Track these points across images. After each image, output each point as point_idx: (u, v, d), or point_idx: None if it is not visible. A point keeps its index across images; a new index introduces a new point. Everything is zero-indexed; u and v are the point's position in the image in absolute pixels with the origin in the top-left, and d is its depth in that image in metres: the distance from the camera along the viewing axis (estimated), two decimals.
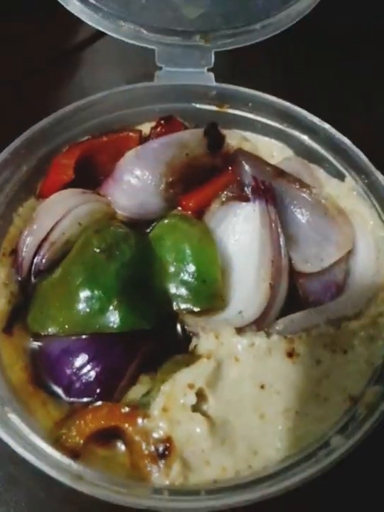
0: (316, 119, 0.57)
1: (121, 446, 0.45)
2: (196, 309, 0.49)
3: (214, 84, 0.59)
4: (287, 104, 0.58)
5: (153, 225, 0.55)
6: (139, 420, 0.43)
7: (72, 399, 0.46)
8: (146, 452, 0.42)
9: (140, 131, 0.60)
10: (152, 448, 0.42)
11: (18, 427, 0.41)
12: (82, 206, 0.53)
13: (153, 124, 0.59)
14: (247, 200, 0.53)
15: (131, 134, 0.59)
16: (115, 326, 0.46)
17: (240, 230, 0.53)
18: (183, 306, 0.50)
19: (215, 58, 0.59)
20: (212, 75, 0.59)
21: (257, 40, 0.58)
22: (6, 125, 0.62)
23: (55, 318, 0.47)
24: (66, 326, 0.47)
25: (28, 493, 0.50)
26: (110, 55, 0.77)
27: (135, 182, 0.54)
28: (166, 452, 0.42)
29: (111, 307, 0.47)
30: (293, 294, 0.52)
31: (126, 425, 0.43)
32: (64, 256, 0.51)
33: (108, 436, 0.45)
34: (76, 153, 0.56)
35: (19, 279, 0.52)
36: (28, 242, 0.51)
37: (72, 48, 0.81)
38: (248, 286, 0.50)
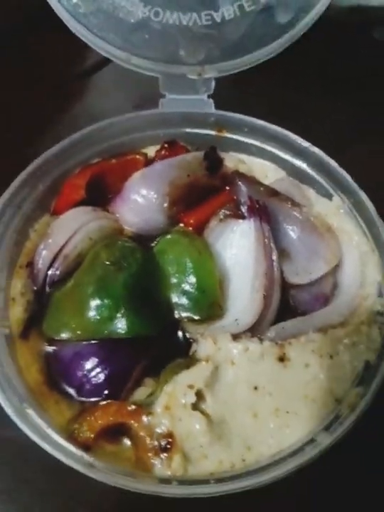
0: (306, 144, 0.59)
1: (127, 442, 0.47)
2: (196, 317, 0.52)
3: (213, 111, 0.62)
4: (279, 129, 0.61)
5: (157, 239, 0.57)
6: (144, 417, 0.46)
7: (82, 399, 0.48)
8: (150, 446, 0.45)
9: (146, 154, 0.63)
10: (155, 442, 0.45)
11: (35, 422, 0.44)
12: (92, 222, 0.55)
13: (157, 147, 0.62)
14: (243, 217, 0.55)
15: (137, 156, 0.62)
16: (123, 331, 0.49)
17: (237, 245, 0.55)
18: (184, 314, 0.52)
19: (216, 83, 0.62)
20: (212, 101, 0.62)
21: (254, 64, 0.61)
22: (21, 148, 0.67)
23: (68, 325, 0.50)
24: (78, 332, 0.50)
25: (38, 490, 0.53)
26: (118, 80, 0.79)
27: (141, 201, 0.57)
28: (168, 446, 0.45)
29: (119, 315, 0.49)
30: (285, 304, 0.54)
31: (132, 422, 0.46)
32: (76, 268, 0.53)
33: (116, 433, 0.47)
34: (87, 175, 0.59)
35: (35, 288, 0.54)
36: (44, 255, 0.54)
37: (82, 73, 0.84)
38: (243, 296, 0.52)
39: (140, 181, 0.57)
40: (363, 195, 0.56)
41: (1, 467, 0.54)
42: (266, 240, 0.54)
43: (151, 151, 0.63)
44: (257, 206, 0.55)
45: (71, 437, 0.46)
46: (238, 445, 0.47)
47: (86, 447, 0.45)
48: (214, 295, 0.52)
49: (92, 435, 0.46)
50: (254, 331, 0.51)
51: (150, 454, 0.46)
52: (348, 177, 0.57)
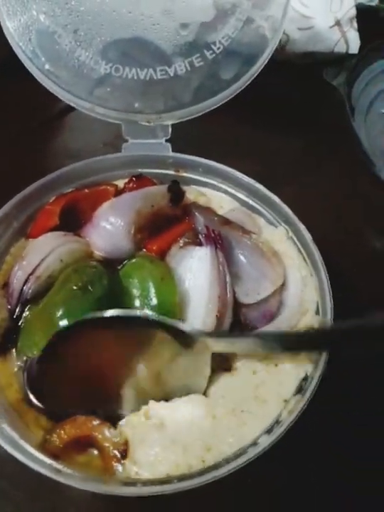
0: (251, 181, 0.66)
1: (95, 453, 0.51)
2: None
3: (171, 153, 0.68)
4: (227, 168, 0.67)
5: (123, 263, 0.61)
6: (106, 430, 0.50)
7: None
8: (112, 454, 0.49)
9: (116, 185, 0.67)
10: (115, 451, 0.50)
11: (8, 434, 0.48)
12: (63, 246, 0.59)
13: (126, 180, 0.68)
14: (200, 244, 0.59)
15: (108, 187, 0.67)
16: None
17: (195, 269, 0.58)
18: None
19: (177, 127, 0.68)
20: (169, 145, 0.68)
21: (206, 111, 0.67)
22: None
23: (39, 344, 0.52)
24: None
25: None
26: (89, 121, 0.82)
27: (109, 227, 0.60)
28: (125, 453, 0.49)
29: None
30: (237, 321, 0.58)
31: (96, 434, 0.50)
32: (47, 288, 0.56)
33: (85, 445, 0.51)
34: (61, 202, 0.63)
35: (9, 307, 0.57)
36: (18, 275, 0.57)
37: (57, 114, 0.90)
38: (199, 317, 0.55)
39: (109, 210, 0.62)
40: (301, 226, 0.61)
41: None
42: (220, 266, 0.58)
43: (120, 183, 0.68)
44: (213, 235, 0.59)
45: (42, 447, 0.49)
46: (196, 447, 0.49)
47: (55, 456, 0.49)
48: (174, 316, 0.55)
49: (61, 445, 0.49)
50: None
51: (113, 462, 0.50)
52: (288, 210, 0.63)
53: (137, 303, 0.56)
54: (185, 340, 0.53)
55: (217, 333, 0.55)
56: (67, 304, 0.54)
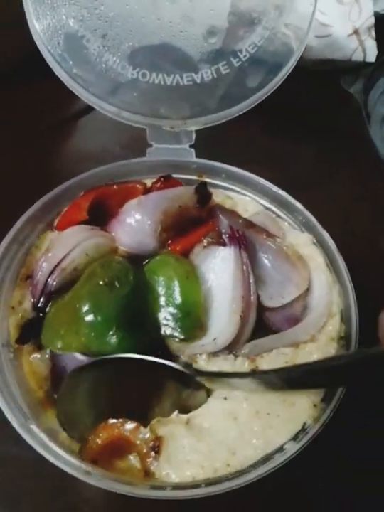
0: (274, 187, 0.66)
1: (133, 460, 0.51)
2: (180, 337, 0.55)
3: (194, 159, 0.68)
4: (250, 174, 0.67)
5: (147, 260, 0.61)
6: (137, 429, 0.51)
7: None
8: (146, 451, 0.50)
9: (145, 184, 0.68)
10: (148, 447, 0.50)
11: (38, 435, 0.49)
12: (89, 240, 0.59)
13: (154, 179, 0.68)
14: (224, 245, 0.60)
15: (137, 185, 0.67)
16: (112, 349, 0.52)
17: (218, 269, 0.58)
18: (169, 333, 0.55)
19: (200, 133, 0.69)
20: (193, 150, 0.69)
21: (230, 118, 0.68)
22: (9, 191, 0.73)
23: (63, 338, 0.53)
24: (72, 345, 0.53)
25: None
26: (105, 123, 0.81)
27: (134, 224, 0.61)
28: (158, 449, 0.50)
29: (111, 333, 0.52)
30: (260, 324, 0.58)
31: (130, 435, 0.51)
32: (72, 281, 0.57)
33: (122, 450, 0.51)
34: (90, 197, 0.64)
35: (32, 299, 0.58)
36: (43, 267, 0.57)
37: (72, 116, 0.89)
38: (222, 317, 0.56)
39: (136, 207, 0.62)
40: (326, 234, 0.62)
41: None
42: (244, 267, 0.58)
43: (149, 182, 0.68)
44: (237, 235, 0.59)
45: (80, 453, 0.50)
46: (221, 451, 0.50)
47: (94, 461, 0.49)
48: (197, 318, 0.56)
49: (98, 450, 0.50)
50: (231, 348, 0.55)
51: (148, 460, 0.50)
52: (312, 217, 0.63)
53: (162, 300, 0.56)
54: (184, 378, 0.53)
55: (212, 373, 0.54)
56: (93, 299, 0.53)
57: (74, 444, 0.51)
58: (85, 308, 0.53)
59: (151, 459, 0.50)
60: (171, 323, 0.55)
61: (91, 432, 0.51)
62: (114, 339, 0.52)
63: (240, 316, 0.55)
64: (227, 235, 0.60)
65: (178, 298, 0.56)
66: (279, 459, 0.49)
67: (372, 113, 0.93)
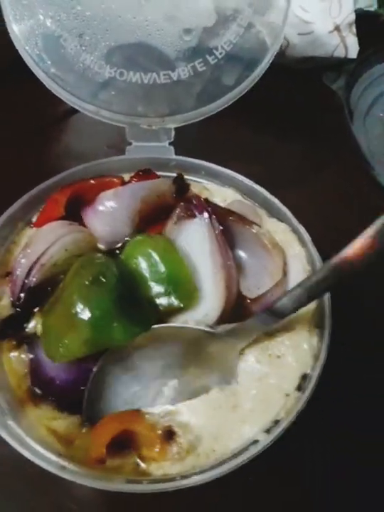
0: (251, 183, 0.67)
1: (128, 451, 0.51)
2: (179, 305, 0.55)
3: (173, 156, 0.69)
4: (228, 171, 0.68)
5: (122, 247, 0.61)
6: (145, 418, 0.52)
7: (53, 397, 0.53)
8: (158, 440, 0.50)
9: (122, 178, 0.68)
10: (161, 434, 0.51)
11: (15, 431, 0.50)
12: (68, 235, 0.59)
13: (132, 174, 0.68)
14: (194, 217, 0.60)
15: (114, 179, 0.67)
16: (121, 339, 0.51)
17: (192, 242, 0.58)
18: (166, 303, 0.55)
19: (180, 130, 0.69)
20: (172, 148, 0.69)
21: (208, 115, 0.68)
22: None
23: (69, 346, 0.51)
24: (81, 349, 0.51)
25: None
26: (92, 124, 0.80)
27: (109, 211, 0.61)
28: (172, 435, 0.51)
29: (114, 324, 0.51)
30: (238, 314, 0.57)
31: (136, 425, 0.51)
32: (52, 277, 0.57)
33: (120, 445, 0.50)
34: (67, 193, 0.64)
35: (11, 295, 0.58)
36: (22, 263, 0.57)
37: (60, 116, 0.91)
38: (208, 291, 0.56)
39: (112, 196, 0.62)
40: (301, 228, 0.62)
41: None
42: (217, 235, 0.58)
43: (126, 177, 0.68)
44: (205, 205, 0.60)
45: (87, 456, 0.50)
46: (207, 438, 0.51)
47: (101, 461, 0.49)
48: (188, 280, 0.56)
49: (104, 449, 0.49)
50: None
51: (157, 447, 0.50)
52: (288, 211, 0.64)
53: (148, 275, 0.56)
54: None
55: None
56: (84, 299, 0.52)
57: (56, 442, 0.51)
58: (80, 309, 0.52)
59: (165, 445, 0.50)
60: (165, 295, 0.55)
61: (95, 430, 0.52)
62: (118, 330, 0.52)
63: (226, 285, 0.56)
64: (195, 206, 0.60)
65: (162, 269, 0.56)
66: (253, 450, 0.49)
67: (355, 109, 0.93)
